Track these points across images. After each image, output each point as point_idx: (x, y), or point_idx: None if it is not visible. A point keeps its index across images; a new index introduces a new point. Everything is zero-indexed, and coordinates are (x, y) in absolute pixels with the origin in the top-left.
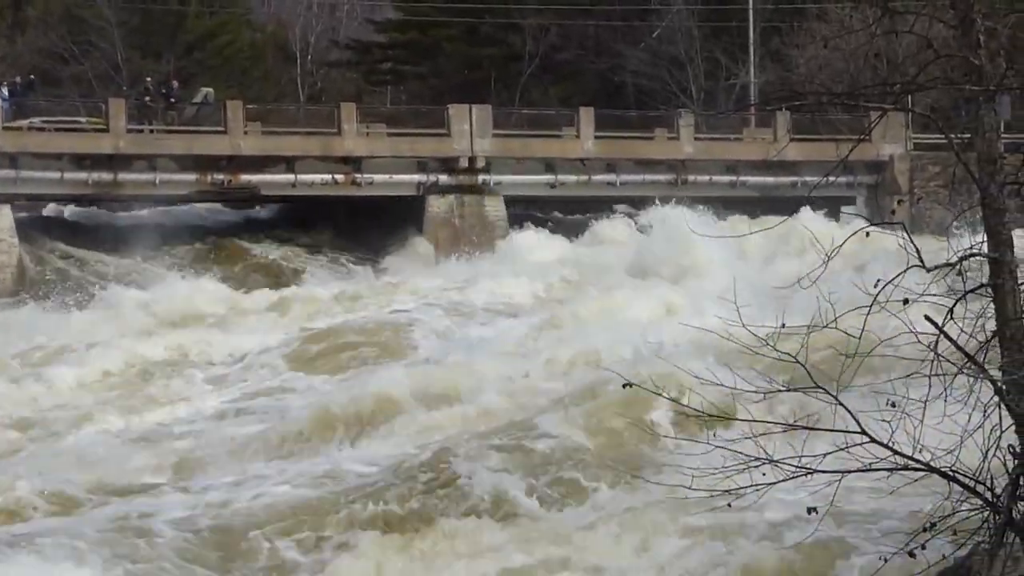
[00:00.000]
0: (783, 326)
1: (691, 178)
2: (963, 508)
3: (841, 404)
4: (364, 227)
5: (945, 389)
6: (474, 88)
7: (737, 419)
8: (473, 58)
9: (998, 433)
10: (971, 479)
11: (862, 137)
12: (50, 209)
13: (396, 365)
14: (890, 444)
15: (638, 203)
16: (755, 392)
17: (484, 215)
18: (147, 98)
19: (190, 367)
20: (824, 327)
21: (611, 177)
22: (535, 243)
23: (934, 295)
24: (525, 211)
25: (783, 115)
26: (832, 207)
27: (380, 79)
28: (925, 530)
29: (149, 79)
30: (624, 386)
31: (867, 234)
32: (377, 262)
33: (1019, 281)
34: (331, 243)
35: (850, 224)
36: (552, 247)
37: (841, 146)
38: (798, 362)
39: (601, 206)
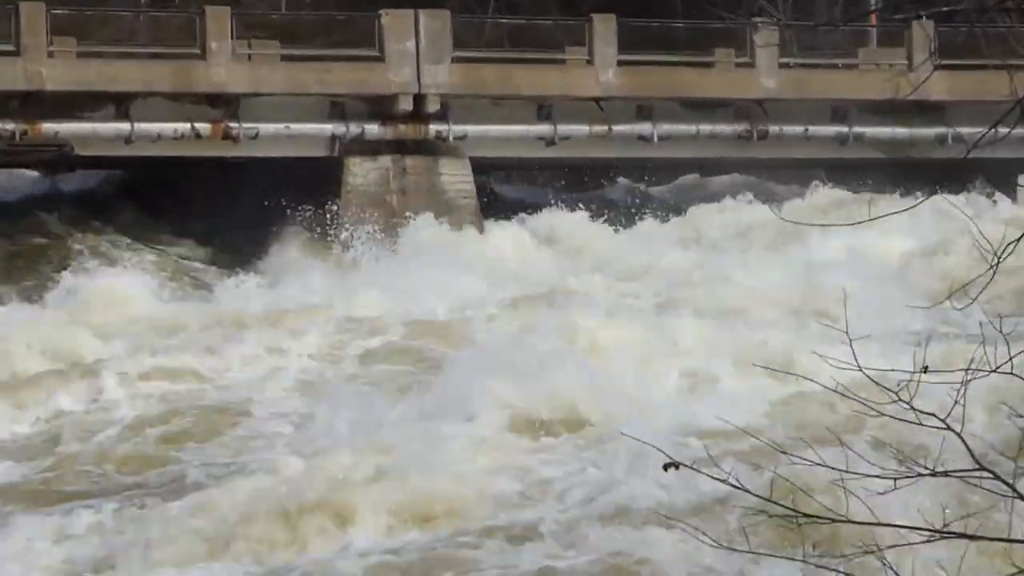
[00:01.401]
0: (924, 370)
1: (773, 129)
2: None
3: (1022, 497)
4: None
5: None
6: None
7: (851, 521)
8: None
9: None
10: None
11: None
12: None
13: None
14: None
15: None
16: (879, 478)
17: (439, 188)
18: None
19: None
20: (992, 372)
21: (644, 128)
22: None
23: None
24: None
25: (922, 27)
26: (1003, 176)
27: None
28: None
29: None
30: (666, 467)
31: None
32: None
33: None
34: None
35: None
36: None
37: (1017, 78)
38: (949, 428)
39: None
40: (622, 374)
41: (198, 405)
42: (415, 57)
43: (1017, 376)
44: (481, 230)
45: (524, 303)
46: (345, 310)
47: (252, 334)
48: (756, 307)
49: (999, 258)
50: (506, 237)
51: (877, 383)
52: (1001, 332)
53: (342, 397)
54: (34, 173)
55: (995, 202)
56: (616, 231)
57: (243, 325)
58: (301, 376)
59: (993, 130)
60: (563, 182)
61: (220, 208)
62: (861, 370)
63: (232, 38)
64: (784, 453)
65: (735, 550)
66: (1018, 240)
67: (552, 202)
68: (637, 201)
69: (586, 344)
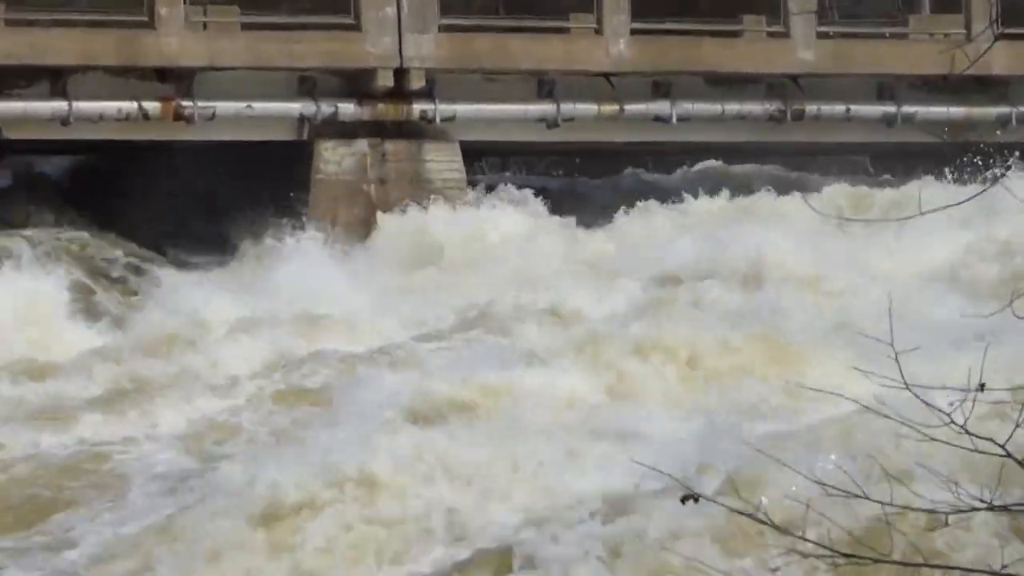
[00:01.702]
0: (981, 388)
1: (810, 108)
2: None
3: None
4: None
5: None
6: None
7: (896, 562)
8: None
9: None
10: None
11: None
12: None
13: None
14: None
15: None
16: (929, 512)
17: (424, 177)
18: None
19: None
20: None
21: (661, 107)
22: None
23: None
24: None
25: None
26: None
27: None
28: None
29: None
30: (684, 500)
31: None
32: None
33: None
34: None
35: None
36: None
37: None
38: (1009, 455)
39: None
40: (603, 402)
41: (36, 477)
42: (396, 25)
43: None
44: (471, 225)
45: (497, 319)
46: (281, 340)
47: (150, 372)
48: (781, 313)
49: None
50: (497, 234)
51: (926, 403)
52: None
53: (209, 467)
54: None
55: None
56: (619, 226)
57: (140, 360)
58: (189, 430)
59: None
60: (564, 169)
61: (167, 202)
62: (908, 387)
63: (185, 3)
64: (819, 483)
65: None
66: None
67: (553, 192)
68: (644, 192)
69: (561, 376)
